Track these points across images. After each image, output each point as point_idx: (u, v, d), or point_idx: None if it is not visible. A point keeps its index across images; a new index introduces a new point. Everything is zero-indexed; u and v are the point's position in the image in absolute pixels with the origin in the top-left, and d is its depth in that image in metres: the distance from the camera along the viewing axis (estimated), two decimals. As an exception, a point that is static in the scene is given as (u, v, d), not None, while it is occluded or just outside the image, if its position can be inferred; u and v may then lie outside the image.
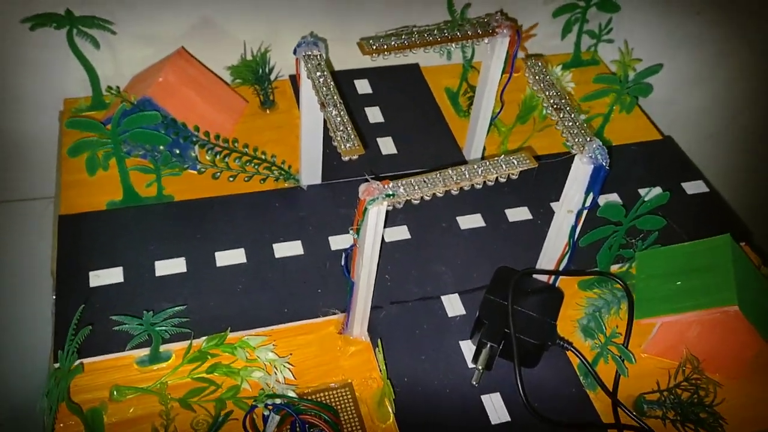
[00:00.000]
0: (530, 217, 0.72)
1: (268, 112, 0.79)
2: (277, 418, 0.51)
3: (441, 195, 0.51)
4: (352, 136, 0.53)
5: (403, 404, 0.55)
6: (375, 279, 0.56)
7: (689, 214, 0.74)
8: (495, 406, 0.56)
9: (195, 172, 0.71)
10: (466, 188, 0.52)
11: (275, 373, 0.54)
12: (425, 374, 0.58)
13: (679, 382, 0.58)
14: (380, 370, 0.55)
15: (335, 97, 0.55)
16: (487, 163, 0.52)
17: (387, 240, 0.68)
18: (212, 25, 0.77)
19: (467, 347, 0.60)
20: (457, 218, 0.71)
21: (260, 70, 0.77)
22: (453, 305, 0.63)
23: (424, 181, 0.50)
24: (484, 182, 0.51)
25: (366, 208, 0.49)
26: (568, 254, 0.61)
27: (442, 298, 0.64)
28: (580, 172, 0.55)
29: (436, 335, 0.61)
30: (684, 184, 0.77)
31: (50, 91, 0.79)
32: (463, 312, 0.63)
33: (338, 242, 0.67)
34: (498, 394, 0.57)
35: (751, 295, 0.58)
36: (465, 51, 0.79)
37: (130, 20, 0.74)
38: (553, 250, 0.61)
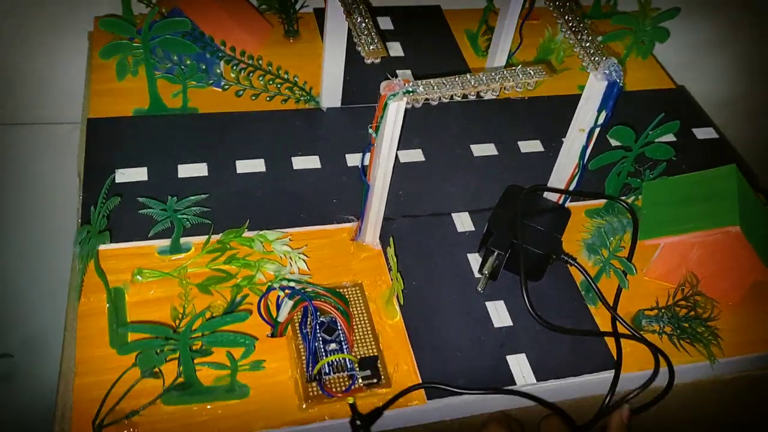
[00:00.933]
0: (542, 149, 0.74)
1: (291, 41, 0.82)
2: (291, 302, 0.53)
3: (459, 98, 0.53)
4: (376, 40, 0.55)
5: (409, 304, 0.58)
6: (388, 194, 0.58)
7: (697, 158, 0.76)
8: (498, 312, 0.59)
9: (219, 89, 0.73)
10: (482, 94, 0.54)
11: (290, 265, 0.57)
12: (433, 280, 0.60)
13: (677, 300, 0.60)
14: (389, 269, 0.58)
15: (361, 6, 0.57)
16: (504, 71, 0.54)
17: (402, 161, 0.70)
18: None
19: (475, 259, 0.62)
20: (471, 146, 0.73)
21: (286, -2, 0.79)
22: (463, 222, 0.65)
23: (443, 83, 0.52)
24: (500, 94, 0.53)
25: (386, 103, 0.51)
26: (578, 176, 0.62)
27: (453, 215, 0.66)
28: (594, 90, 0.57)
29: (445, 247, 0.63)
30: (694, 130, 0.79)
31: (79, 12, 0.81)
32: (473, 228, 0.65)
33: (355, 159, 0.69)
34: (502, 302, 0.60)
35: (753, 222, 0.60)
36: (486, -12, 0.80)
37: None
38: (563, 171, 0.63)
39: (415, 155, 0.71)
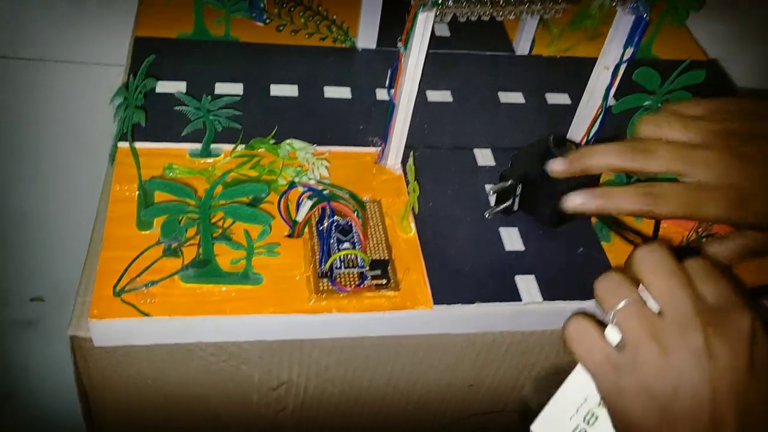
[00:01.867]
0: (569, 102, 0.75)
1: (333, -11, 0.85)
2: (309, 203, 0.55)
3: (486, 18, 0.55)
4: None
5: (424, 222, 0.59)
6: (413, 126, 0.60)
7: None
8: (511, 237, 0.60)
9: (261, 24, 0.76)
10: (510, 16, 0.56)
11: (311, 171, 0.59)
12: (449, 204, 0.62)
13: (690, 242, 0.60)
14: (407, 183, 0.59)
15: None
16: (534, -4, 0.56)
17: (429, 99, 0.72)
18: None
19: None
20: (499, 93, 0.74)
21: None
22: (484, 156, 0.67)
23: (473, 0, 0.54)
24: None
25: (416, 14, 0.53)
26: (600, 116, 0.64)
27: (474, 150, 0.67)
28: (621, 25, 0.58)
29: (463, 177, 0.64)
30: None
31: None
32: (493, 163, 0.66)
33: (384, 95, 0.71)
34: (516, 228, 0.61)
35: None
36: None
37: None
38: (586, 111, 0.64)
39: (442, 96, 0.73)
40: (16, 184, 1.15)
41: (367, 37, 0.76)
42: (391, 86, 0.59)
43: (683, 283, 0.37)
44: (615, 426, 0.39)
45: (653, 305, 0.38)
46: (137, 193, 0.57)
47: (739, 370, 0.35)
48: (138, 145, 0.60)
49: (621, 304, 0.38)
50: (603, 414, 0.40)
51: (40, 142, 1.08)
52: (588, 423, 0.40)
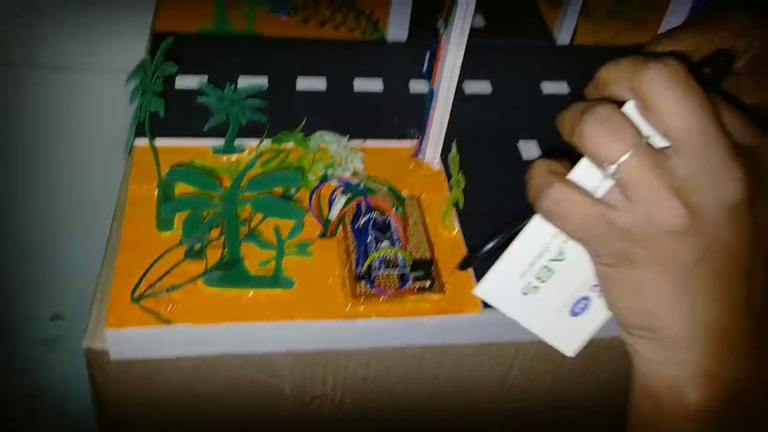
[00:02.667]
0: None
1: (360, -18, 0.80)
2: (344, 198, 0.50)
3: (534, -8, 0.50)
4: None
5: (468, 219, 0.54)
6: (450, 117, 0.55)
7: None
8: (565, 234, 0.55)
9: (284, 16, 0.72)
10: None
11: (345, 163, 0.54)
12: (492, 199, 0.56)
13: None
14: (448, 178, 0.54)
15: None
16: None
17: (467, 92, 0.67)
18: None
19: (540, 185, 0.59)
20: (541, 83, 0.69)
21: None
22: (529, 149, 0.62)
23: (520, -28, 0.49)
24: None
25: (458, -12, 0.48)
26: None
27: (519, 142, 0.62)
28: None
29: (508, 171, 0.59)
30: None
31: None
32: (539, 155, 0.61)
33: (418, 87, 0.66)
34: (569, 225, 0.55)
35: None
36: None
37: None
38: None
39: (482, 87, 0.68)
40: (38, 194, 1.12)
41: (398, 29, 0.71)
42: (429, 72, 0.54)
43: (711, 113, 0.28)
44: (613, 298, 0.32)
45: (658, 141, 0.29)
46: (156, 191, 0.52)
47: None
48: (157, 142, 0.56)
49: (626, 155, 0.28)
50: (561, 267, 0.34)
51: (58, 150, 1.05)
52: (541, 280, 0.35)
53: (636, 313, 0.31)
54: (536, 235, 0.34)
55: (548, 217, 0.32)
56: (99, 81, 0.99)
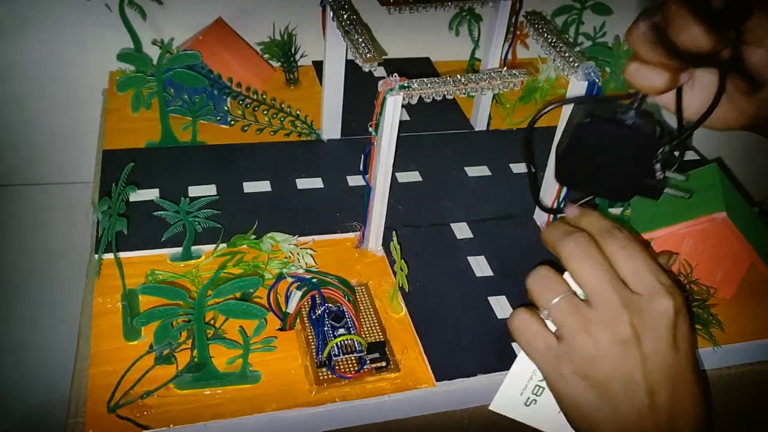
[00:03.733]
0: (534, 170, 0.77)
1: (292, 87, 0.87)
2: (299, 293, 0.55)
3: (450, 97, 0.58)
4: (371, 48, 0.60)
5: (413, 301, 0.59)
6: (389, 207, 0.62)
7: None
8: (501, 305, 0.60)
9: (226, 126, 0.78)
10: (472, 93, 0.58)
11: (297, 260, 0.59)
12: (435, 280, 0.62)
13: (674, 289, 0.61)
14: (393, 265, 0.60)
15: (357, 26, 0.63)
16: (491, 72, 0.59)
17: (400, 181, 0.74)
18: (248, 7, 0.87)
19: (474, 262, 0.65)
20: (465, 168, 0.77)
21: (288, 48, 0.85)
22: (461, 230, 0.68)
23: (436, 81, 0.57)
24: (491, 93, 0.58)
25: (384, 98, 0.55)
26: (567, 179, 0.66)
27: (451, 225, 0.69)
28: (575, 91, 0.61)
29: (445, 252, 0.65)
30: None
31: (95, 70, 0.87)
32: (471, 236, 0.67)
33: (356, 181, 0.72)
34: (504, 296, 0.61)
35: (738, 213, 0.63)
36: (472, 32, 0.87)
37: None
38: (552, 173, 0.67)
39: (412, 176, 0.74)
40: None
41: (330, 128, 0.78)
42: (365, 170, 0.61)
43: (608, 275, 0.40)
44: (560, 406, 0.42)
45: (580, 291, 0.41)
46: (121, 303, 0.56)
47: (663, 351, 0.40)
48: (120, 254, 0.59)
49: (554, 301, 0.41)
50: (546, 386, 0.43)
51: (11, 267, 1.05)
52: (536, 395, 0.45)
53: (574, 419, 0.42)
54: (525, 362, 0.44)
55: (512, 333, 0.43)
56: (43, 194, 1.01)
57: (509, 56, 0.83)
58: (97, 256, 0.56)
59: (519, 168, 0.78)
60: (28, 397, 1.20)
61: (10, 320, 1.11)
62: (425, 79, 0.57)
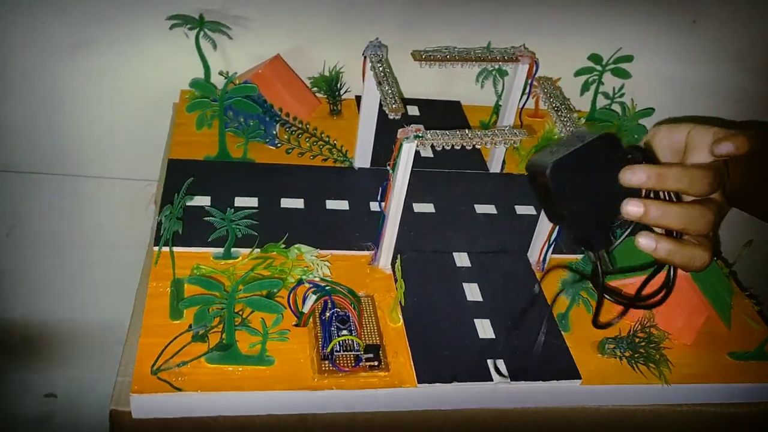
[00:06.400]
0: (534, 213, 0.88)
1: (335, 118, 1.00)
2: (314, 297, 0.67)
3: (458, 148, 0.69)
4: (397, 101, 0.72)
5: (410, 314, 0.70)
6: (401, 233, 0.73)
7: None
8: (484, 327, 0.71)
9: (273, 147, 0.90)
10: (477, 146, 0.69)
11: (316, 270, 0.70)
12: (431, 299, 0.73)
13: (636, 331, 0.71)
14: (395, 281, 0.71)
15: (389, 79, 0.75)
16: (495, 130, 0.70)
17: (415, 210, 0.85)
18: (304, 44, 1.00)
19: (468, 288, 0.75)
20: (475, 205, 0.87)
21: (334, 83, 0.98)
22: (461, 259, 0.79)
23: (447, 134, 0.68)
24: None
25: (401, 144, 0.66)
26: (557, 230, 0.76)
27: (454, 254, 0.79)
28: (567, 152, 0.72)
29: (444, 276, 0.76)
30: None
31: (169, 86, 1.01)
32: (469, 265, 0.78)
33: (376, 206, 0.84)
34: (488, 320, 0.72)
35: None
36: (496, 86, 0.98)
37: (242, 31, 0.97)
38: (543, 225, 0.77)
39: (426, 207, 0.86)
40: (43, 290, 1.26)
41: (362, 158, 0.90)
42: (382, 200, 0.72)
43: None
44: None
45: None
46: (170, 289, 0.68)
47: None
48: (175, 249, 0.72)
49: None
50: None
51: (70, 249, 1.20)
52: None
53: None
54: None
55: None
56: (109, 187, 1.15)
57: (526, 106, 0.94)
58: (156, 248, 0.68)
59: (522, 210, 0.88)
60: (79, 364, 1.34)
61: (73, 298, 1.26)
62: (437, 131, 0.68)
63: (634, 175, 0.49)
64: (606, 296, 0.54)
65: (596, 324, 0.57)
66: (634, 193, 0.50)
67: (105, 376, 0.75)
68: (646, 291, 0.56)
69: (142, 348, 0.63)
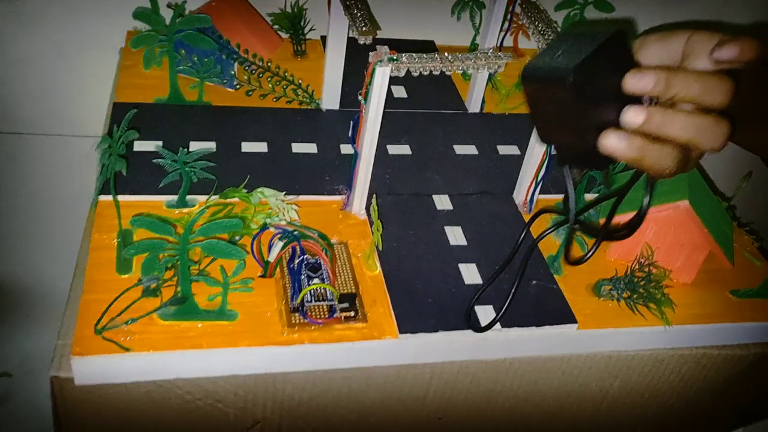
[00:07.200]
0: (519, 153, 0.81)
1: (299, 59, 0.91)
2: (281, 243, 0.59)
3: (437, 73, 0.61)
4: (368, 24, 0.64)
5: (388, 260, 0.64)
6: (376, 175, 0.66)
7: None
8: (469, 271, 0.64)
9: (231, 89, 0.82)
10: (458, 71, 0.62)
11: (282, 214, 0.63)
12: (411, 244, 0.66)
13: (634, 271, 0.65)
14: (371, 225, 0.64)
15: (358, 3, 0.67)
16: (478, 53, 0.63)
17: (390, 153, 0.78)
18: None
19: (450, 231, 0.68)
20: (454, 146, 0.80)
21: (297, 21, 0.89)
22: (442, 202, 0.72)
23: (424, 56, 0.61)
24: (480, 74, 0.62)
25: (374, 69, 0.59)
26: (546, 162, 0.70)
27: (433, 196, 0.72)
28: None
29: (424, 220, 0.69)
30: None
31: (113, 29, 0.91)
32: (451, 207, 0.71)
33: (348, 149, 0.77)
34: (474, 264, 0.65)
35: (701, 202, 0.67)
36: (473, 18, 0.91)
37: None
38: (533, 158, 0.70)
39: (402, 149, 0.78)
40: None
41: (330, 99, 0.82)
42: (353, 137, 0.65)
43: None
44: None
45: None
46: (117, 240, 0.60)
47: None
48: (120, 198, 0.64)
49: None
50: None
51: (16, 212, 1.10)
52: None
53: None
54: None
55: None
56: (55, 145, 1.06)
57: (504, 43, 0.87)
58: (95, 194, 0.60)
59: (505, 150, 0.81)
60: (14, 347, 1.26)
61: (18, 258, 1.17)
62: (414, 54, 0.60)
63: (642, 80, 0.42)
64: (576, 226, 0.48)
65: (568, 259, 0.52)
66: (638, 102, 0.43)
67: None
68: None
69: (84, 305, 0.55)
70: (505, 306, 0.56)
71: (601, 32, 0.42)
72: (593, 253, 0.50)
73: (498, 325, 0.60)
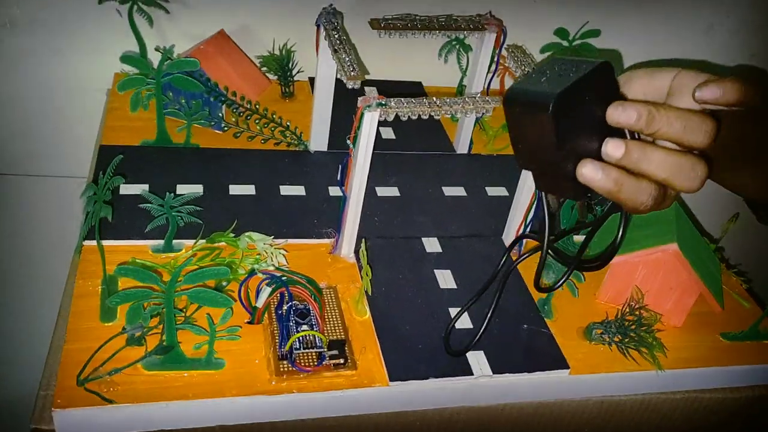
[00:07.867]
0: (507, 194, 0.81)
1: (287, 100, 0.92)
2: (269, 289, 0.58)
3: (425, 117, 0.62)
4: (356, 68, 0.64)
5: (378, 305, 0.63)
6: (365, 218, 0.65)
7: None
8: (461, 316, 0.64)
9: (219, 131, 0.82)
10: (446, 115, 0.62)
11: (270, 259, 0.62)
12: (400, 287, 0.65)
13: (625, 314, 0.65)
14: (360, 270, 0.63)
15: (346, 46, 0.68)
16: (466, 98, 0.63)
17: (379, 195, 0.77)
18: (251, 22, 0.92)
19: (440, 274, 0.68)
20: (443, 188, 0.80)
21: (285, 63, 0.90)
22: (431, 244, 0.72)
23: (413, 101, 0.61)
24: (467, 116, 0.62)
25: (362, 114, 0.59)
26: (535, 204, 0.70)
27: (423, 239, 0.72)
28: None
29: (414, 264, 0.69)
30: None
31: (101, 71, 0.91)
32: (440, 250, 0.71)
33: (336, 191, 0.76)
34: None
35: (690, 245, 0.67)
36: (460, 60, 0.92)
37: (180, 7, 0.88)
38: (521, 201, 0.70)
39: (391, 191, 0.78)
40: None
41: (318, 141, 0.82)
42: (342, 181, 0.64)
43: None
44: None
45: None
46: (101, 287, 0.59)
47: None
48: (102, 243, 0.63)
49: None
50: None
51: (3, 253, 1.09)
52: None
53: None
54: None
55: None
56: (40, 186, 1.05)
57: (491, 86, 0.88)
58: (84, 241, 0.59)
59: (494, 191, 0.82)
60: (6, 379, 1.23)
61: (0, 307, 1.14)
62: (402, 99, 0.61)
63: (624, 113, 0.42)
64: (550, 253, 0.48)
65: (538, 286, 0.51)
66: (620, 134, 0.43)
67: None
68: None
69: (66, 355, 0.54)
70: (482, 330, 0.56)
71: (588, 62, 0.42)
72: (564, 282, 0.50)
73: (489, 371, 0.59)
